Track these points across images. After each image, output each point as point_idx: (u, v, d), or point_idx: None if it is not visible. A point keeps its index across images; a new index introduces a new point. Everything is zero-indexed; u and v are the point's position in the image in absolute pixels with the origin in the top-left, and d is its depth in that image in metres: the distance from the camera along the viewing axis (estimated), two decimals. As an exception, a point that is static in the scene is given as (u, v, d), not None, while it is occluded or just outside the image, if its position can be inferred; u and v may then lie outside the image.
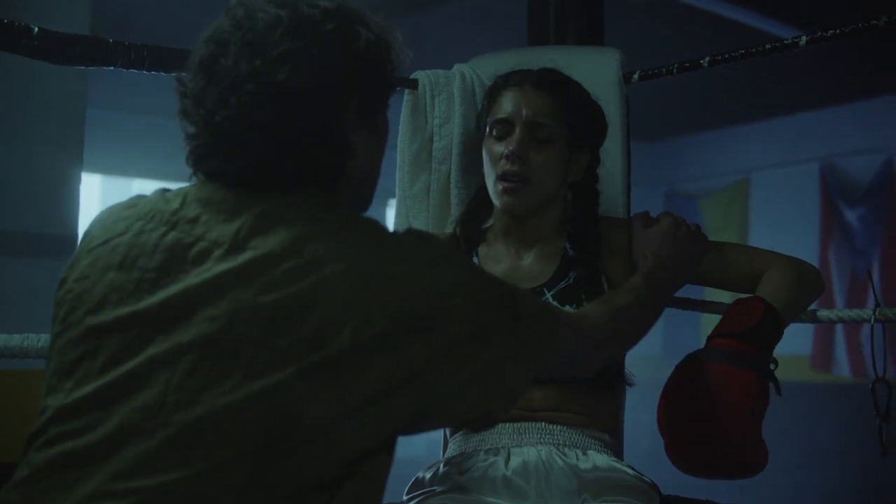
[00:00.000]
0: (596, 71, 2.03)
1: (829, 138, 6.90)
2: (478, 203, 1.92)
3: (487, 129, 1.83)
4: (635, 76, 2.07)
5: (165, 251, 1.11)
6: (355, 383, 1.02)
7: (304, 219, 1.10)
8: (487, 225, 1.91)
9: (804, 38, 1.76)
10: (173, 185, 1.23)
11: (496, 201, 1.81)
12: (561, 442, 1.69)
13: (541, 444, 1.68)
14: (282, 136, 1.12)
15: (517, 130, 1.78)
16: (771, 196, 7.30)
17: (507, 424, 1.70)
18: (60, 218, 2.46)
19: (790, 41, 1.80)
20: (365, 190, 1.28)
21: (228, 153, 1.14)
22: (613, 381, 1.80)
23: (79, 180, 2.56)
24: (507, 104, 1.81)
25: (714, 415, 1.58)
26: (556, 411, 1.71)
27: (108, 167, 6.47)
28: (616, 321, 1.44)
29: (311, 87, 1.12)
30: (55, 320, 1.16)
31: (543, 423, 1.70)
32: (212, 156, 1.15)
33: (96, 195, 6.64)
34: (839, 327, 6.53)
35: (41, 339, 1.50)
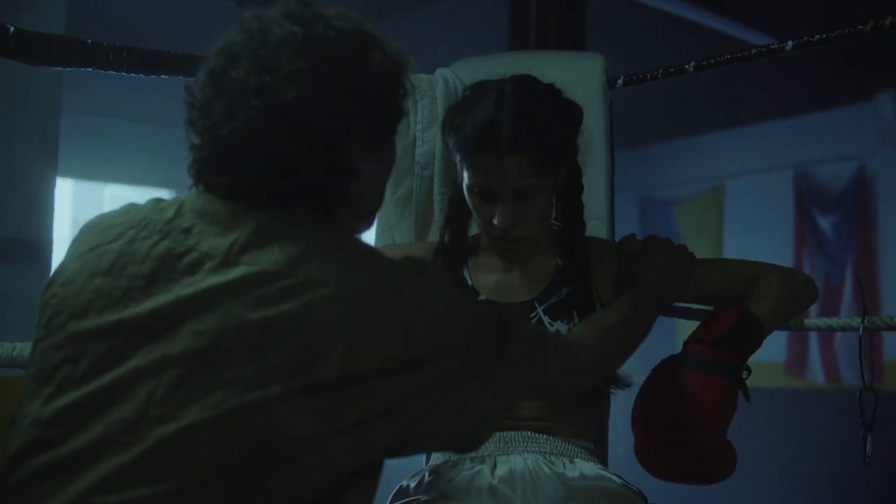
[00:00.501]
0: (579, 76, 2.02)
1: (802, 146, 6.92)
2: (460, 209, 1.85)
3: (468, 183, 1.70)
4: (619, 81, 2.06)
5: (156, 260, 1.09)
6: (341, 409, 1.01)
7: (300, 238, 1.08)
8: (474, 232, 1.87)
9: (790, 43, 1.75)
10: (146, 190, 1.22)
11: (491, 246, 1.77)
12: (547, 450, 1.67)
13: (527, 452, 1.66)
14: (285, 153, 1.10)
15: (504, 199, 1.66)
16: (745, 203, 7.31)
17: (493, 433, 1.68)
18: (34, 223, 2.42)
19: (776, 46, 1.80)
20: (365, 214, 1.27)
21: (230, 166, 1.12)
22: (599, 390, 1.78)
23: (53, 184, 2.52)
24: (487, 174, 1.66)
25: (684, 421, 1.59)
26: (543, 420, 1.70)
27: (81, 172, 6.40)
28: (604, 344, 1.45)
29: (318, 108, 1.11)
30: (38, 325, 1.14)
31: (529, 432, 1.68)
32: (214, 168, 1.14)
33: (68, 200, 6.58)
34: (813, 334, 6.56)
35: (16, 349, 1.46)
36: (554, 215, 1.85)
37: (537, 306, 1.73)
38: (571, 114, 1.76)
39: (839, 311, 6.38)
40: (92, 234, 1.17)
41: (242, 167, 1.11)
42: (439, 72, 2.10)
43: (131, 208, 1.19)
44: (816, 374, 6.70)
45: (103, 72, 1.66)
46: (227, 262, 1.06)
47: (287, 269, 1.04)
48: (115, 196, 7.28)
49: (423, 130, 2.02)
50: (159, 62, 1.64)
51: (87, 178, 6.69)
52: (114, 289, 1.08)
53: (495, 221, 1.66)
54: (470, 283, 1.78)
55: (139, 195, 6.91)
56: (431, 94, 2.04)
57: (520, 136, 1.63)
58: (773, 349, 6.34)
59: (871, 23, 1.66)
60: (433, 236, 2.02)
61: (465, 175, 1.69)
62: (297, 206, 1.12)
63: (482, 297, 1.75)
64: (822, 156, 6.83)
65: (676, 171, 7.85)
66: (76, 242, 1.19)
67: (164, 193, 6.63)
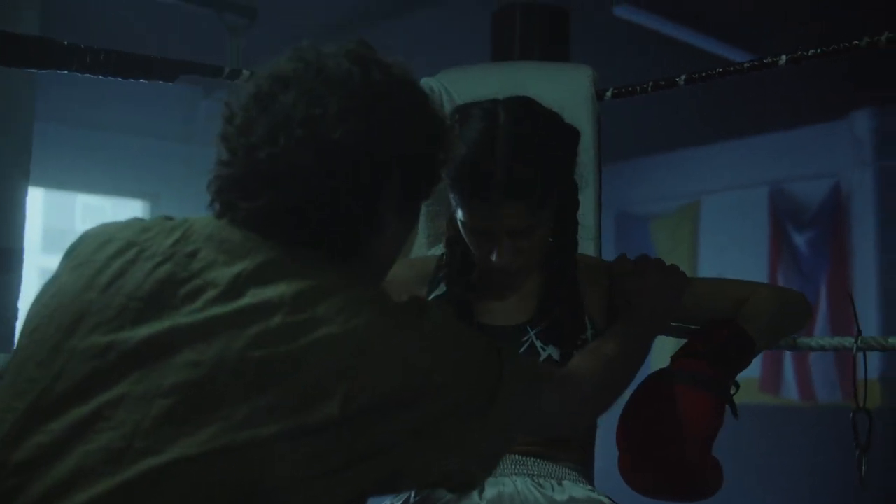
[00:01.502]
0: (568, 88, 1.99)
1: (778, 163, 6.95)
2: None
3: (461, 221, 1.63)
4: (608, 94, 2.03)
5: (156, 283, 1.04)
6: (336, 449, 0.97)
7: (308, 276, 1.04)
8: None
9: (784, 57, 1.73)
10: (119, 201, 1.17)
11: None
12: (536, 473, 1.62)
13: (515, 475, 1.61)
14: (317, 189, 1.07)
15: (502, 239, 1.59)
16: (721, 219, 7.34)
17: None
18: (6, 231, 2.36)
19: (770, 60, 1.77)
20: (380, 268, 1.23)
21: (260, 190, 1.08)
22: None
23: (25, 193, 2.46)
24: (481, 218, 1.59)
25: (670, 436, 1.56)
26: (530, 444, 1.65)
27: (52, 181, 6.32)
28: (604, 378, 1.41)
29: (361, 153, 1.08)
30: (22, 333, 1.09)
31: (517, 455, 1.63)
32: (240, 188, 1.10)
33: (39, 209, 6.49)
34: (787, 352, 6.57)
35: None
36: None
37: (529, 330, 1.68)
38: (571, 143, 1.67)
39: (814, 328, 6.40)
40: (91, 246, 1.12)
41: (272, 194, 1.07)
42: (424, 81, 2.06)
43: (136, 223, 1.14)
44: (791, 391, 6.72)
45: (79, 78, 1.61)
46: (231, 292, 1.02)
47: (292, 305, 1.01)
48: (86, 206, 7.20)
49: (408, 141, 1.98)
50: (139, 66, 1.58)
51: (59, 188, 6.61)
52: (107, 307, 1.03)
53: (493, 259, 1.61)
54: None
55: (111, 205, 6.85)
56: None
57: (516, 184, 1.54)
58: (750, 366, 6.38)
59: (865, 39, 1.63)
60: (418, 247, 1.98)
61: (459, 212, 1.62)
62: (312, 245, 1.09)
63: (473, 321, 1.70)
64: (798, 173, 6.87)
65: (653, 186, 7.87)
66: (72, 252, 1.14)
67: (137, 204, 6.57)
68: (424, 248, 1.96)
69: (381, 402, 0.99)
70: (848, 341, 1.66)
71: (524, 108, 1.63)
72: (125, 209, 6.55)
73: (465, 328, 1.18)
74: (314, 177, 1.07)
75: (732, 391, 1.62)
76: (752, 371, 6.72)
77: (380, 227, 1.14)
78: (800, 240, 6.86)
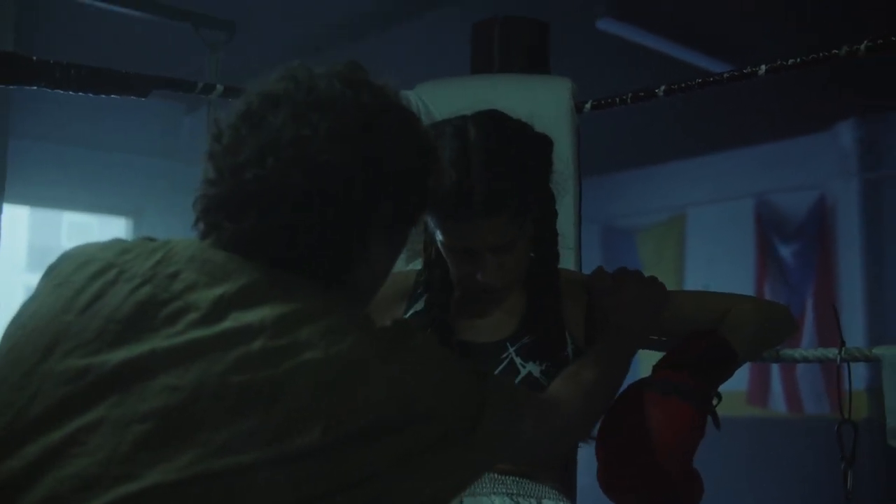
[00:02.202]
0: (547, 100, 1.97)
1: (763, 175, 6.96)
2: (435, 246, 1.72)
3: (441, 242, 1.61)
4: (587, 106, 2.01)
5: (135, 305, 1.01)
6: (317, 477, 0.95)
7: (291, 299, 1.02)
8: None
9: (763, 67, 1.72)
10: (105, 218, 1.14)
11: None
12: (514, 491, 1.60)
13: (494, 494, 1.58)
14: (303, 213, 1.05)
15: (483, 258, 1.58)
16: (707, 231, 7.34)
17: None
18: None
19: (749, 70, 1.75)
20: (365, 293, 1.21)
21: (245, 211, 1.06)
22: None
23: (-1, 212, 2.42)
24: (462, 237, 1.57)
25: (649, 447, 1.53)
26: (507, 462, 1.61)
27: (37, 199, 6.29)
28: (584, 400, 1.41)
29: (350, 177, 1.06)
30: None
31: (496, 473, 1.60)
32: (226, 208, 1.07)
33: (25, 226, 6.46)
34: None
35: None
36: None
37: (509, 347, 1.66)
38: (544, 152, 1.65)
39: (800, 340, 6.39)
40: (70, 267, 1.09)
41: (258, 215, 1.05)
42: (402, 94, 2.03)
43: (117, 244, 1.12)
44: (778, 403, 6.71)
45: (60, 94, 1.59)
46: (212, 316, 1.00)
47: (273, 329, 0.98)
48: (72, 223, 7.17)
49: (385, 155, 1.95)
50: (110, 82, 1.56)
51: (44, 206, 6.58)
52: (85, 330, 1.00)
53: (479, 277, 1.59)
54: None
55: (97, 223, 6.82)
56: (394, 117, 1.97)
57: (493, 199, 1.52)
58: (734, 378, 6.36)
59: (844, 48, 1.62)
60: (397, 265, 1.94)
61: (438, 234, 1.59)
62: (297, 268, 1.07)
63: (452, 338, 1.67)
64: (783, 185, 6.87)
65: (638, 199, 7.87)
66: (53, 271, 1.11)
67: (121, 221, 6.53)
68: (403, 263, 1.93)
69: (363, 429, 0.97)
70: (832, 353, 1.64)
71: (493, 122, 1.61)
72: (111, 226, 6.51)
73: (449, 354, 1.16)
74: (302, 199, 1.05)
75: (715, 402, 1.60)
76: (740, 384, 6.78)
77: (367, 251, 1.12)
78: (786, 251, 6.86)
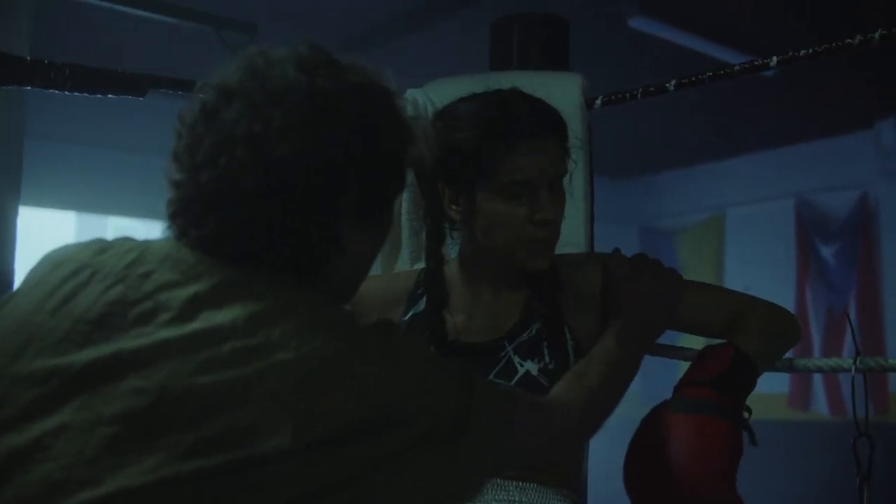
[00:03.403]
0: (556, 96, 1.91)
1: (803, 174, 6.86)
2: (439, 239, 1.71)
3: (494, 187, 1.55)
4: (598, 101, 1.97)
5: (106, 305, 0.99)
6: (288, 482, 0.91)
7: (263, 298, 0.99)
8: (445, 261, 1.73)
9: (775, 58, 1.66)
10: (150, 223, 1.12)
11: (519, 264, 1.61)
12: (517, 499, 1.55)
13: (496, 501, 1.54)
14: (264, 213, 1.01)
15: (543, 193, 1.55)
16: (746, 232, 7.25)
17: None
18: (-6, 253, 2.33)
19: (760, 62, 1.70)
20: (347, 286, 1.17)
21: (205, 216, 1.03)
22: None
23: (15, 213, 2.43)
24: (525, 162, 1.53)
25: (681, 469, 1.44)
26: (516, 469, 1.56)
27: (84, 204, 6.35)
28: (589, 402, 1.34)
29: (306, 172, 1.02)
30: None
31: (499, 480, 1.56)
32: (188, 213, 1.05)
33: (72, 232, 6.52)
34: (816, 365, 6.45)
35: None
36: None
37: (507, 345, 1.61)
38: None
39: (843, 341, 6.30)
40: (46, 268, 1.07)
41: (217, 219, 1.02)
42: (409, 93, 2.01)
43: (95, 244, 1.09)
44: (821, 405, 6.59)
45: (105, 98, 1.58)
46: (183, 315, 0.97)
47: (244, 329, 0.95)
48: (118, 228, 7.22)
49: (391, 154, 1.92)
50: (104, 81, 1.55)
51: (91, 211, 6.64)
52: (54, 330, 0.98)
53: (539, 217, 1.54)
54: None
55: (143, 227, 6.86)
56: (400, 115, 1.94)
57: (551, 116, 1.57)
58: (775, 381, 6.28)
59: (858, 37, 1.56)
60: (400, 262, 1.92)
61: (495, 178, 1.53)
62: (270, 265, 1.03)
63: (449, 339, 1.63)
64: (824, 184, 6.77)
65: (677, 200, 7.80)
66: (31, 273, 1.09)
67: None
68: (407, 264, 1.90)
69: (338, 432, 0.94)
70: (846, 363, 1.57)
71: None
72: (155, 231, 6.52)
73: (433, 355, 1.12)
74: (258, 200, 1.01)
75: (746, 416, 1.51)
76: (780, 387, 6.67)
77: (340, 242, 1.08)
78: (827, 252, 6.75)
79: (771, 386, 6.35)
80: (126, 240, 1.09)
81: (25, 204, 5.89)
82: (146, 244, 1.07)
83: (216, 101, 1.04)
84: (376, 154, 1.08)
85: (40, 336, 0.98)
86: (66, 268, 1.04)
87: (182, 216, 1.06)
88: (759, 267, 6.92)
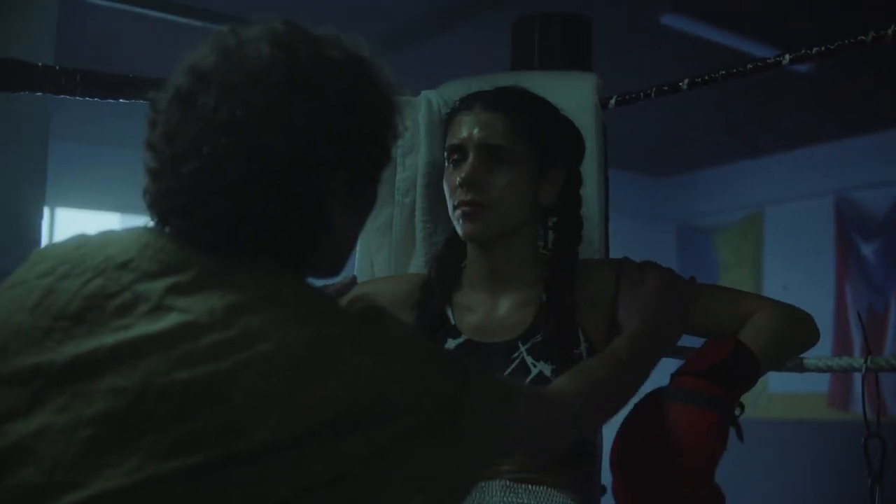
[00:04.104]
0: (570, 96, 1.91)
1: (843, 171, 6.76)
2: (455, 240, 1.77)
3: (446, 155, 1.71)
4: (612, 101, 1.95)
5: (85, 299, 0.97)
6: (272, 480, 0.89)
7: (245, 286, 0.97)
8: (464, 264, 1.76)
9: (787, 56, 1.64)
10: None
11: (459, 232, 1.67)
12: (525, 502, 1.55)
13: (503, 503, 1.54)
14: (252, 201, 0.99)
15: (470, 156, 1.65)
16: (785, 230, 7.16)
17: None
18: (22, 254, 2.35)
19: (773, 60, 1.68)
20: (334, 263, 1.15)
21: (189, 206, 1.01)
22: (588, 443, 1.67)
23: (41, 215, 2.46)
24: (458, 130, 1.68)
25: (663, 456, 1.46)
26: (520, 471, 1.57)
27: (130, 207, 6.41)
28: (591, 395, 1.31)
29: (292, 155, 0.99)
30: None
31: (507, 482, 1.56)
32: (170, 204, 1.03)
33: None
34: (857, 364, 6.36)
35: None
36: (544, 243, 1.75)
37: (520, 346, 1.62)
38: (559, 115, 1.75)
39: (885, 338, 6.21)
40: (28, 266, 1.05)
41: (202, 210, 1.00)
42: (423, 94, 2.01)
43: (76, 239, 1.07)
44: (861, 405, 6.48)
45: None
46: (161, 307, 0.95)
47: (223, 320, 0.93)
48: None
49: (403, 155, 1.93)
50: (115, 86, 1.57)
51: (137, 213, 6.69)
52: (35, 329, 0.97)
53: (460, 177, 1.63)
54: (452, 321, 1.68)
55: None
56: (413, 117, 1.95)
57: (497, 95, 1.69)
58: (815, 380, 6.23)
59: (871, 33, 1.54)
60: (414, 266, 1.92)
61: (445, 148, 1.71)
62: (256, 253, 1.01)
63: (462, 338, 1.65)
64: (864, 181, 6.67)
65: (715, 198, 7.72)
66: (13, 274, 1.07)
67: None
68: (422, 266, 1.90)
69: (325, 425, 0.91)
70: (857, 362, 1.55)
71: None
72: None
73: (428, 342, 1.08)
74: (244, 189, 0.99)
75: (738, 412, 1.51)
76: (820, 386, 6.58)
77: (328, 223, 1.05)
78: (867, 250, 6.65)
79: (810, 385, 6.30)
80: (107, 232, 1.07)
81: (67, 206, 6.06)
82: (126, 234, 1.05)
83: (191, 85, 1.01)
84: (359, 129, 1.06)
85: (20, 335, 0.97)
86: (45, 265, 1.02)
87: (163, 206, 1.03)
88: (798, 265, 6.85)
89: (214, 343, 0.92)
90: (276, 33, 1.03)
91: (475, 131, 1.65)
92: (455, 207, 1.66)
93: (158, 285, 0.97)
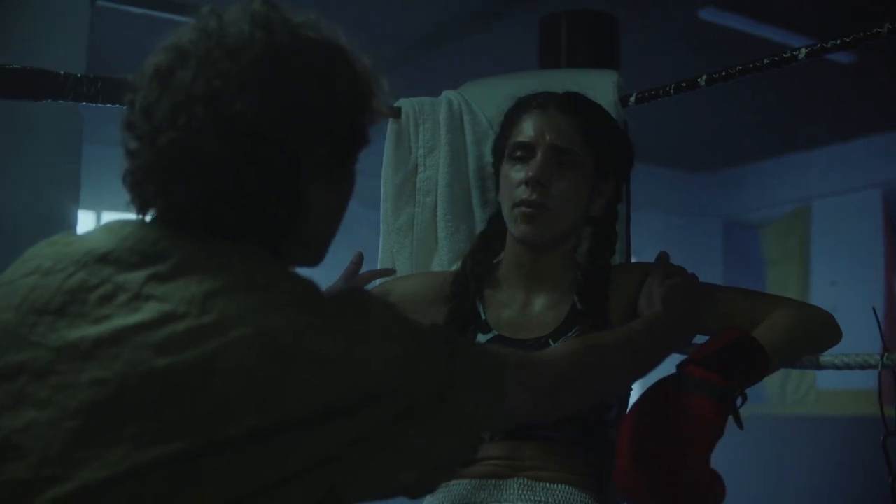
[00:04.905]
0: (591, 93, 1.91)
1: (890, 164, 6.65)
2: (490, 235, 1.78)
3: (506, 154, 1.70)
4: (632, 99, 1.95)
5: (66, 293, 0.97)
6: (258, 466, 0.89)
7: (224, 271, 0.96)
8: (498, 260, 1.77)
9: (803, 50, 1.63)
10: None
11: (513, 230, 1.67)
12: (543, 500, 1.55)
13: (521, 501, 1.55)
14: (227, 172, 0.99)
15: (539, 154, 1.64)
16: (832, 224, 7.06)
17: (488, 480, 1.58)
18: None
19: (789, 55, 1.67)
20: (315, 248, 1.14)
21: (167, 183, 1.00)
22: (599, 435, 1.66)
23: (75, 218, 2.51)
24: (528, 127, 1.67)
25: (667, 446, 1.44)
26: (539, 469, 1.58)
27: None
28: (584, 361, 1.27)
29: (268, 126, 0.99)
30: None
31: (525, 479, 1.57)
32: (150, 182, 1.02)
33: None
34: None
35: None
36: (578, 247, 1.76)
37: (550, 343, 1.62)
38: (619, 128, 1.80)
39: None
40: (15, 266, 1.06)
41: (181, 186, 1.00)
42: (445, 94, 2.02)
43: (63, 237, 1.07)
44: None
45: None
46: (140, 296, 0.94)
47: (201, 306, 0.92)
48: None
49: (424, 155, 1.94)
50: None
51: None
52: (20, 326, 0.97)
53: (528, 175, 1.63)
54: (483, 316, 1.69)
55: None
56: (434, 117, 1.96)
57: (569, 98, 1.70)
58: (865, 376, 6.11)
59: (886, 25, 1.52)
60: (436, 266, 1.93)
61: (505, 141, 1.71)
62: (235, 235, 1.01)
63: (493, 333, 1.66)
64: (912, 173, 6.56)
65: (761, 192, 7.64)
66: (3, 273, 1.08)
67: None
68: (445, 265, 1.92)
69: (308, 409, 0.91)
70: (874, 359, 1.53)
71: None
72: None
73: (413, 325, 1.06)
74: (221, 159, 0.98)
75: (739, 403, 1.48)
76: (870, 382, 6.47)
77: (307, 204, 1.05)
78: (917, 243, 6.55)
79: (860, 381, 6.21)
80: (96, 228, 1.07)
81: (113, 210, 6.15)
82: (106, 226, 1.05)
83: (170, 62, 1.01)
84: (336, 108, 1.06)
85: (8, 332, 0.97)
86: (32, 263, 1.03)
87: (145, 185, 1.03)
88: (847, 260, 6.75)
89: (191, 329, 0.91)
90: (255, 13, 1.04)
91: (547, 131, 1.65)
92: (515, 205, 1.65)
93: (138, 276, 0.97)
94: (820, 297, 6.80)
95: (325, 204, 1.09)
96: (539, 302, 1.69)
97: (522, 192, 1.63)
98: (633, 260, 2.09)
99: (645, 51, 4.67)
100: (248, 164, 0.99)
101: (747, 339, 1.51)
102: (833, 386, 6.29)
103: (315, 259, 1.15)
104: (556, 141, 1.64)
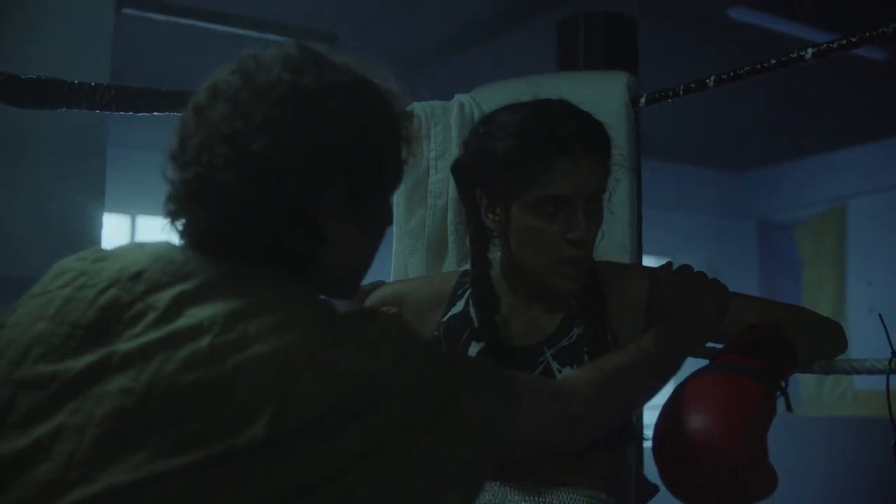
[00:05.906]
0: (602, 95, 1.92)
1: (928, 161, 6.58)
2: (483, 244, 1.69)
3: (530, 201, 1.53)
4: (642, 100, 1.95)
5: (100, 309, 1.04)
6: (268, 476, 0.94)
7: (246, 294, 1.02)
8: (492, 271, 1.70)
9: (810, 50, 1.63)
10: None
11: (551, 282, 1.58)
12: (548, 502, 1.55)
13: (524, 503, 1.54)
14: (244, 209, 1.05)
15: (579, 212, 1.52)
16: (868, 224, 6.98)
17: (496, 483, 1.57)
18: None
19: (796, 55, 1.67)
20: (343, 282, 1.19)
21: (194, 211, 1.08)
22: (614, 437, 1.63)
23: (100, 221, 2.54)
24: (562, 177, 1.50)
25: (710, 427, 1.38)
26: (549, 472, 1.57)
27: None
28: (607, 385, 1.29)
29: (285, 164, 1.05)
30: None
31: (532, 483, 1.56)
32: (183, 211, 1.09)
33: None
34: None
35: None
36: None
37: (546, 350, 1.60)
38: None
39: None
40: (48, 277, 1.12)
41: (205, 215, 1.06)
42: (457, 98, 2.03)
43: (95, 252, 1.13)
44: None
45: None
46: (169, 315, 1.01)
47: (223, 325, 0.98)
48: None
49: (436, 159, 1.96)
50: (148, 99, 1.62)
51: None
52: (53, 336, 1.03)
53: (571, 236, 1.52)
54: (476, 323, 1.65)
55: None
56: (445, 121, 1.97)
57: (592, 136, 1.54)
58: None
59: (892, 25, 1.52)
60: (447, 268, 1.94)
61: (529, 192, 1.52)
62: (259, 262, 1.07)
63: (487, 340, 1.63)
64: (950, 171, 6.48)
65: (795, 192, 7.57)
66: (34, 286, 1.14)
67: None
68: (454, 266, 1.93)
69: (316, 421, 0.95)
70: (882, 363, 1.53)
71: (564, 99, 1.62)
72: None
73: (420, 340, 1.09)
74: (240, 196, 1.04)
75: (782, 384, 1.47)
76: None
77: (322, 236, 1.10)
78: (955, 243, 6.46)
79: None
80: (124, 246, 1.14)
81: (146, 214, 6.24)
82: (141, 247, 1.11)
83: (206, 100, 1.08)
84: (360, 150, 1.10)
85: (40, 342, 1.03)
86: (65, 276, 1.09)
87: (178, 212, 1.10)
88: (883, 260, 6.67)
89: (214, 346, 0.97)
90: (287, 57, 1.10)
91: (581, 183, 1.52)
92: (559, 262, 1.55)
93: (167, 294, 1.03)
94: (856, 297, 6.73)
95: (350, 238, 1.14)
96: (531, 307, 1.65)
97: (568, 251, 1.54)
98: (645, 261, 2.08)
99: (675, 51, 4.66)
100: (266, 201, 1.05)
101: (775, 331, 1.50)
102: (870, 387, 6.21)
103: (347, 290, 1.21)
104: (591, 190, 1.54)
